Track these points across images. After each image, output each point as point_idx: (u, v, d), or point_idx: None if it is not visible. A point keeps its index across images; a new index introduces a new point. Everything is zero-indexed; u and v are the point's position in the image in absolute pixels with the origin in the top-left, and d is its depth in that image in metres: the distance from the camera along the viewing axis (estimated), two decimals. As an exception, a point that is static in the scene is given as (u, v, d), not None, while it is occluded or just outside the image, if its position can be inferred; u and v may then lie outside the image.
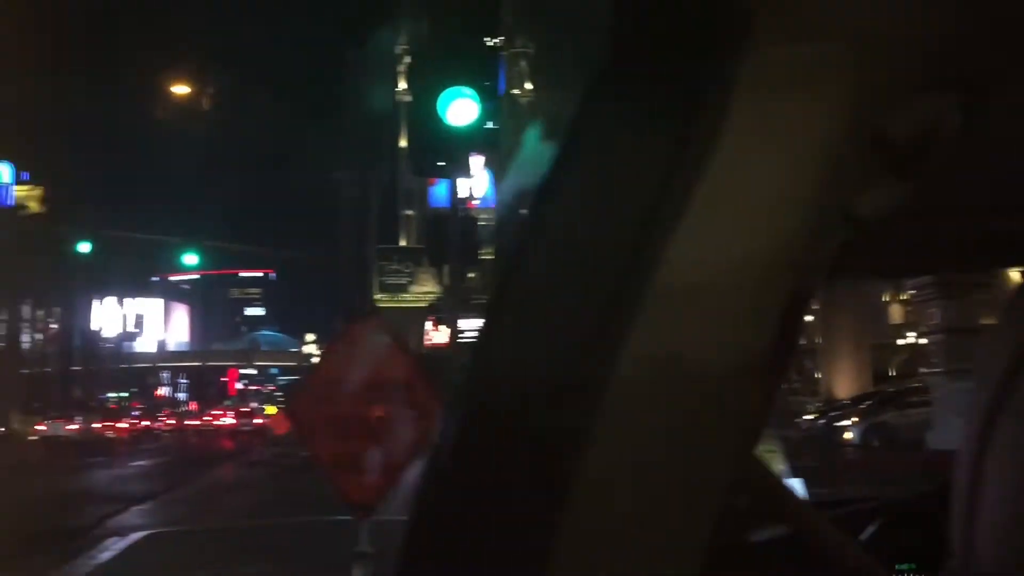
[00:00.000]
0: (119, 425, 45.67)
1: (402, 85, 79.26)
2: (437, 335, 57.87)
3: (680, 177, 0.55)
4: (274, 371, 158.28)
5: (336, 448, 6.28)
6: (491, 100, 9.00)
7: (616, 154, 0.62)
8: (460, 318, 9.99)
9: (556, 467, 0.56)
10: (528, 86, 70.59)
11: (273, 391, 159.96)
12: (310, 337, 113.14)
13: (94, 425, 40.67)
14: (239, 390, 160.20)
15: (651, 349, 0.52)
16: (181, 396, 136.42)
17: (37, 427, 45.02)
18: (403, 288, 76.27)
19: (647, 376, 0.54)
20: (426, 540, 0.62)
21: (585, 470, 0.55)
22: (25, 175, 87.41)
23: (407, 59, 77.46)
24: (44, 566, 8.40)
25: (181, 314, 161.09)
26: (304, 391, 6.63)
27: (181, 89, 39.16)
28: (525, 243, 0.64)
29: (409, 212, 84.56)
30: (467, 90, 8.71)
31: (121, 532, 10.41)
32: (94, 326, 66.78)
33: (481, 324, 0.69)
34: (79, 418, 41.66)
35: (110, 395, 68.95)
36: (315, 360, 73.65)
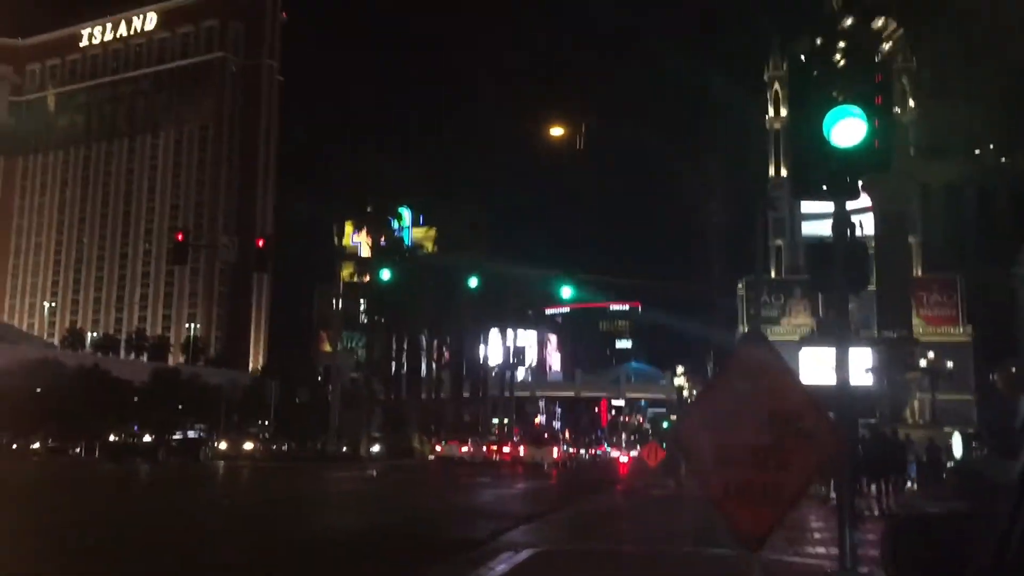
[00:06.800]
0: (504, 449, 48.94)
1: (771, 112, 77.88)
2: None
3: None
4: (643, 403, 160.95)
5: (725, 476, 6.19)
6: (880, 118, 8.45)
7: None
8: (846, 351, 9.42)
9: None
10: (910, 103, 65.96)
11: (642, 423, 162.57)
12: (680, 369, 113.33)
13: (483, 448, 43.86)
14: (609, 421, 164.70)
15: None
16: (556, 424, 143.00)
17: (436, 447, 49.64)
18: (774, 320, 74.10)
19: None
20: None
21: None
22: (421, 219, 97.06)
23: (776, 85, 75.96)
24: (448, 574, 9.05)
25: (554, 346, 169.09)
26: (692, 418, 6.62)
27: (557, 131, 41.15)
28: None
29: (779, 242, 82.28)
30: (854, 108, 8.29)
31: (514, 547, 10.94)
32: (481, 355, 72.08)
33: None
34: (471, 441, 45.10)
35: (494, 420, 73.85)
36: (685, 392, 73.60)
